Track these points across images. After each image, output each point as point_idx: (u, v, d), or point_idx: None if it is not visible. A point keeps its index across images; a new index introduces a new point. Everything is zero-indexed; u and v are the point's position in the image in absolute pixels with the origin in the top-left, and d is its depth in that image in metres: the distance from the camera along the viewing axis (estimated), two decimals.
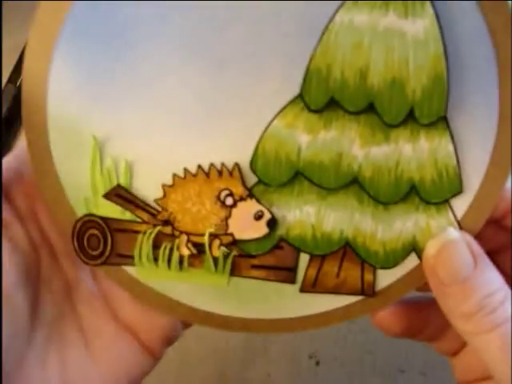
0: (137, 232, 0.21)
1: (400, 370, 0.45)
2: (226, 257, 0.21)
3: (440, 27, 0.18)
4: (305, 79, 0.19)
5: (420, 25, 0.18)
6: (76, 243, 0.21)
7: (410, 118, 0.20)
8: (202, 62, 0.19)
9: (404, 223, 0.21)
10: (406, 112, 0.19)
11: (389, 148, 0.20)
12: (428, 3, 0.18)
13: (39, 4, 0.18)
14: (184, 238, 0.21)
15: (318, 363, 0.46)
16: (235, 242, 0.21)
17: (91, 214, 0.21)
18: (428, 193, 0.21)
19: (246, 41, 0.19)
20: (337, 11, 0.18)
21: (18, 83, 0.46)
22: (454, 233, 0.21)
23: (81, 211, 0.21)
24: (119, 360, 0.22)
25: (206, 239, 0.21)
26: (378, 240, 0.21)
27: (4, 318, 0.19)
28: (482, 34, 0.19)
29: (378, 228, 0.21)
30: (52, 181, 0.20)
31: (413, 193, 0.21)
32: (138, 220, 0.21)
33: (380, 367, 0.45)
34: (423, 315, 0.23)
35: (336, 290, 0.22)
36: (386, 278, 0.22)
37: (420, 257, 0.22)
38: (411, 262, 0.22)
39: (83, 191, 0.21)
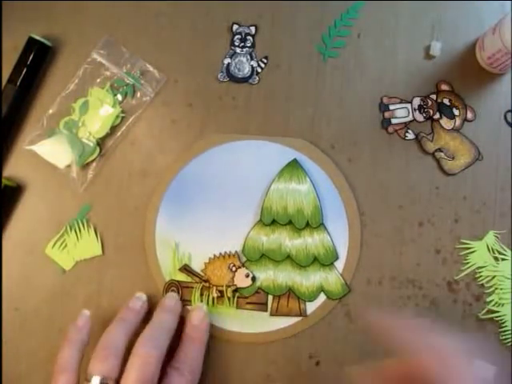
0: (192, 287, 0.46)
1: None
2: (233, 297, 0.46)
3: (313, 185, 0.46)
4: (262, 212, 0.46)
5: (305, 185, 0.46)
6: (165, 294, 0.46)
7: (308, 225, 0.46)
8: (220, 208, 0.47)
9: (315, 276, 0.46)
10: (305, 223, 0.46)
11: (301, 239, 0.46)
12: (307, 177, 0.46)
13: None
14: (214, 288, 0.46)
15: (317, 363, 0.46)
16: (237, 290, 0.46)
17: (172, 280, 0.47)
18: (323, 260, 0.46)
19: (237, 203, 0.47)
20: (272, 183, 0.46)
21: (17, 83, 0.46)
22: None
23: (167, 278, 0.46)
24: None
25: (224, 288, 0.46)
26: (304, 286, 0.46)
27: None
28: (330, 188, 0.46)
29: (303, 280, 0.46)
30: (156, 265, 0.46)
31: (316, 260, 0.46)
32: (193, 280, 0.46)
33: None
34: None
35: (287, 314, 0.46)
36: (310, 307, 0.46)
37: (326, 295, 0.46)
38: (321, 297, 0.46)
39: (168, 269, 0.46)
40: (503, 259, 0.46)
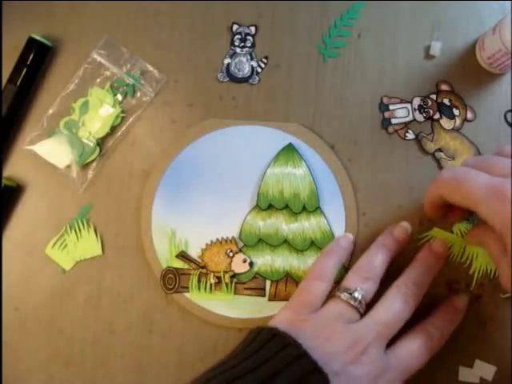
0: (189, 274, 0.46)
1: None
2: (231, 283, 0.46)
3: (309, 169, 0.46)
4: (258, 197, 0.46)
5: (301, 169, 0.46)
6: (162, 282, 0.46)
7: (304, 209, 0.46)
8: (216, 193, 0.47)
9: (312, 261, 0.46)
10: (301, 207, 0.46)
11: (298, 224, 0.46)
12: (303, 161, 0.46)
13: None
14: (211, 274, 0.46)
15: None
16: (234, 275, 0.46)
17: (169, 267, 0.47)
18: (319, 244, 0.46)
19: (233, 188, 0.47)
20: (267, 167, 0.46)
21: (17, 83, 0.46)
22: None
23: (164, 265, 0.46)
24: None
25: (221, 274, 0.46)
26: (301, 271, 0.46)
27: None
28: (326, 171, 0.46)
29: (300, 264, 0.46)
30: (152, 252, 0.47)
31: (313, 244, 0.46)
32: (190, 267, 0.47)
33: None
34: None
35: (285, 299, 0.46)
36: None
37: None
38: None
39: (165, 255, 0.46)
40: None
